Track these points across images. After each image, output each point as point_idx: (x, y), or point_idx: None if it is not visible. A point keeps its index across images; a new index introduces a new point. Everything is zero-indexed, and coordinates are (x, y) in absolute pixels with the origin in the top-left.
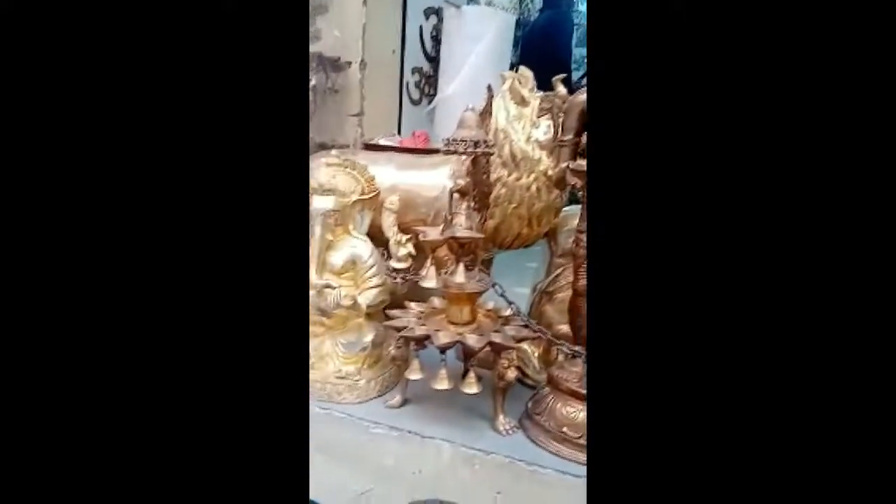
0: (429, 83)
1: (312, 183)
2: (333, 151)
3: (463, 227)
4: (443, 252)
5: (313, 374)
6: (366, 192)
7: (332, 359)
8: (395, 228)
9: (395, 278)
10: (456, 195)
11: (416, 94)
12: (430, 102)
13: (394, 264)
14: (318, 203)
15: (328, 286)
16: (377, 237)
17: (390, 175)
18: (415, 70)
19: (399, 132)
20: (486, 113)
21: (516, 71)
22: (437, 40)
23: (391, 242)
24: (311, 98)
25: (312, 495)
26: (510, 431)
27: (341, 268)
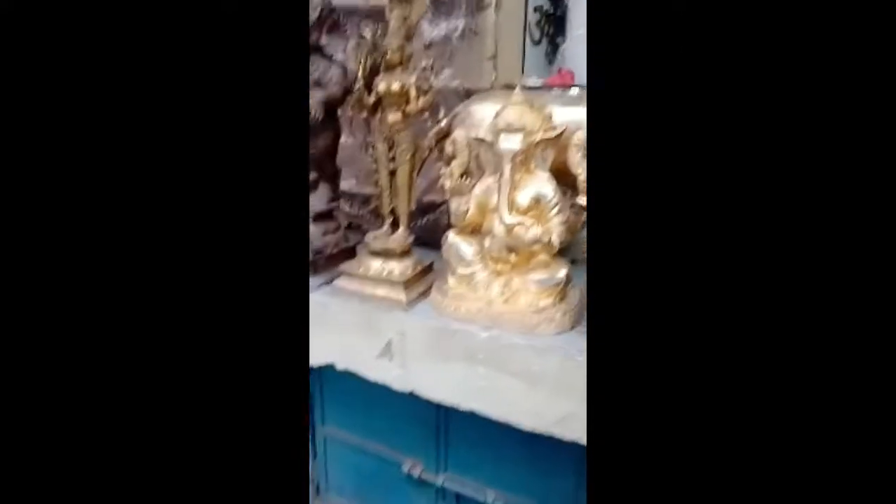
0: (549, 22)
1: (500, 123)
2: (490, 93)
3: None
4: None
5: (507, 307)
6: (548, 130)
7: (524, 294)
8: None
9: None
10: None
11: (536, 35)
12: (550, 42)
13: (581, 201)
14: (507, 143)
15: (521, 224)
16: (557, 175)
17: (559, 113)
18: (536, 9)
19: (522, 73)
20: None
21: None
22: None
23: (579, 179)
24: (451, 43)
25: (513, 420)
26: None
27: (527, 207)
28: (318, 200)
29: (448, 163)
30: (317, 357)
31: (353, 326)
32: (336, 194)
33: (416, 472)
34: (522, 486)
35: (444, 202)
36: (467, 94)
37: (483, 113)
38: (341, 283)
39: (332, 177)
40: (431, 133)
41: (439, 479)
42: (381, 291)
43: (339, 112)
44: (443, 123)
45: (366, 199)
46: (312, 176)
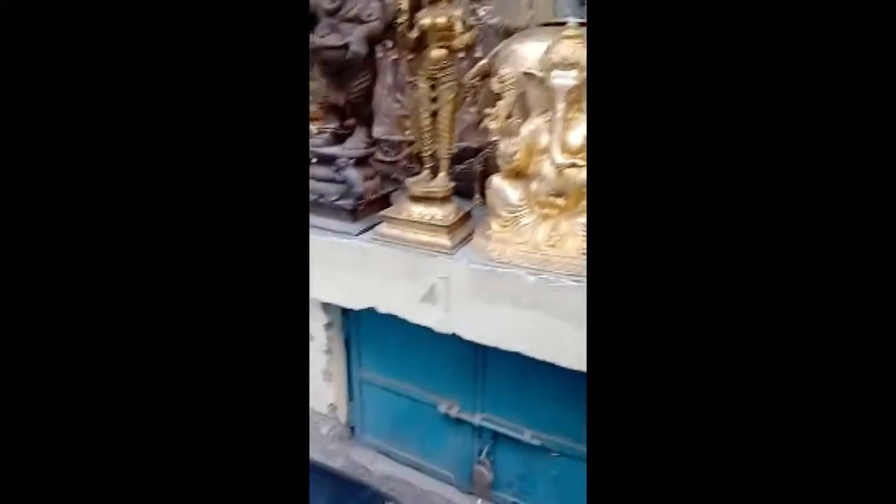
0: None
1: (554, 58)
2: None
3: None
4: None
5: (554, 251)
6: None
7: (572, 238)
8: None
9: None
10: None
11: None
12: None
13: None
14: (561, 79)
15: (574, 164)
16: None
17: None
18: None
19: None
20: None
21: None
22: None
23: None
24: None
25: (562, 361)
26: None
27: (578, 147)
28: (355, 145)
29: (492, 103)
30: (357, 301)
31: (396, 272)
32: (371, 139)
33: (453, 412)
34: (558, 424)
35: (478, 148)
36: (507, 33)
37: (527, 51)
38: (383, 229)
39: (368, 120)
40: (472, 71)
41: (476, 419)
42: (425, 237)
43: (378, 51)
44: (484, 62)
45: (394, 146)
46: (349, 121)
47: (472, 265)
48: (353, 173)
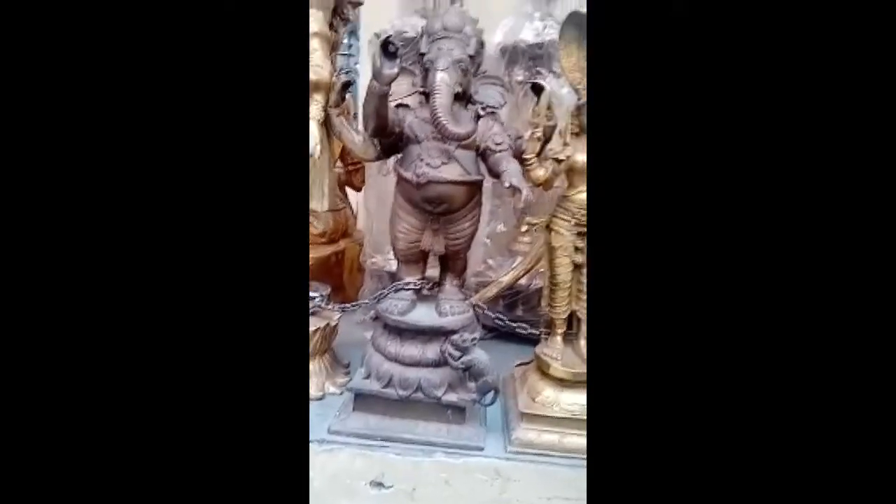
0: None
1: None
2: None
3: None
4: None
5: None
6: None
7: None
8: None
9: None
10: None
11: None
12: None
13: None
14: None
15: None
16: None
17: None
18: None
19: None
20: None
21: None
22: None
23: None
24: None
25: None
26: None
27: None
28: (461, 309)
29: None
30: None
31: None
32: (466, 295)
33: None
34: None
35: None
36: None
37: None
38: (523, 433)
39: (461, 272)
40: None
41: None
42: None
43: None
44: None
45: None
46: (430, 272)
47: None
48: (482, 356)
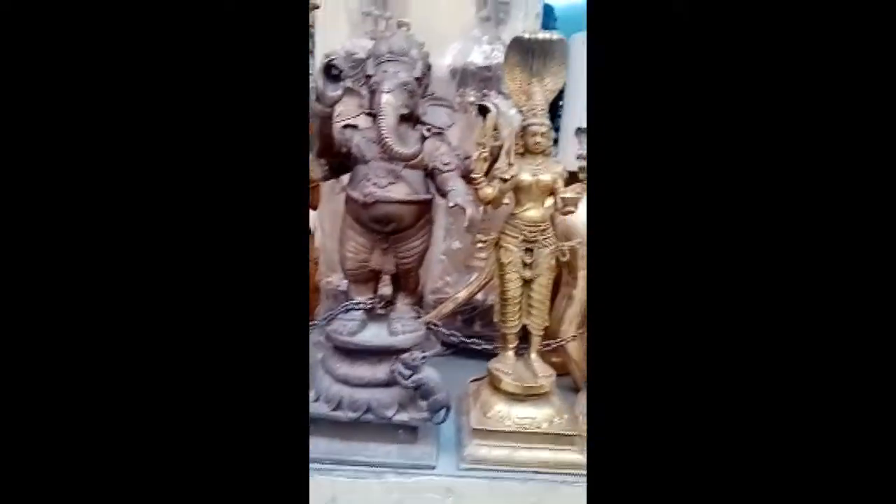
0: None
1: None
2: None
3: None
4: None
5: None
6: None
7: None
8: None
9: None
10: None
11: None
12: None
13: None
14: None
15: None
16: None
17: None
18: None
19: None
20: None
21: None
22: None
23: None
24: None
25: None
26: None
27: None
28: (412, 328)
29: None
30: None
31: None
32: (418, 314)
33: None
34: None
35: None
36: None
37: None
38: (474, 450)
39: (414, 290)
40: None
41: None
42: (546, 454)
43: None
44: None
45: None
46: (383, 290)
47: None
48: (432, 374)
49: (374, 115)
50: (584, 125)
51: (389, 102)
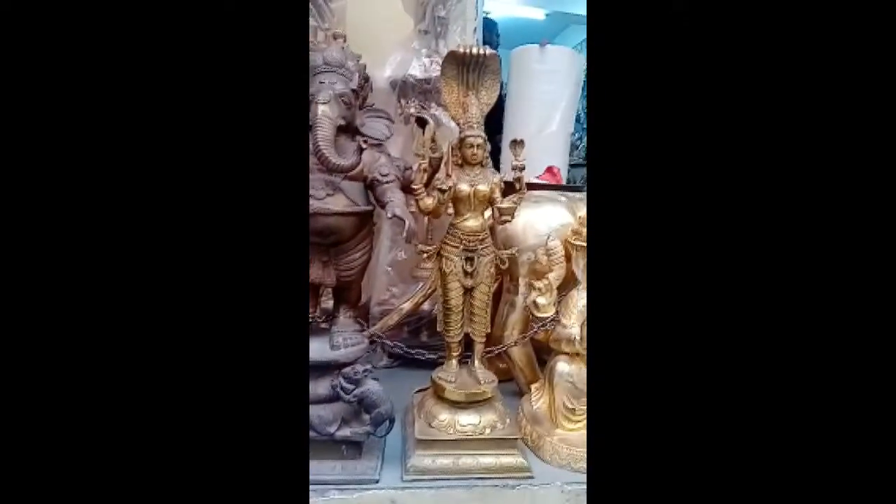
0: None
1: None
2: None
3: None
4: None
5: None
6: None
7: None
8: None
9: None
10: None
11: None
12: None
13: None
14: None
15: None
16: None
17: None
18: None
19: None
20: None
21: None
22: None
23: None
24: None
25: None
26: None
27: None
28: (355, 341)
29: (539, 278)
30: None
31: None
32: (362, 327)
33: None
34: None
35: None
36: None
37: (546, 219)
38: (418, 461)
39: (356, 303)
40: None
41: None
42: (489, 458)
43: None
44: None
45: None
46: (324, 304)
47: (568, 486)
48: (374, 386)
49: (310, 127)
50: (520, 137)
51: (325, 113)
